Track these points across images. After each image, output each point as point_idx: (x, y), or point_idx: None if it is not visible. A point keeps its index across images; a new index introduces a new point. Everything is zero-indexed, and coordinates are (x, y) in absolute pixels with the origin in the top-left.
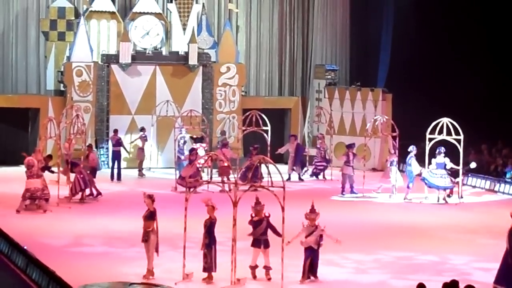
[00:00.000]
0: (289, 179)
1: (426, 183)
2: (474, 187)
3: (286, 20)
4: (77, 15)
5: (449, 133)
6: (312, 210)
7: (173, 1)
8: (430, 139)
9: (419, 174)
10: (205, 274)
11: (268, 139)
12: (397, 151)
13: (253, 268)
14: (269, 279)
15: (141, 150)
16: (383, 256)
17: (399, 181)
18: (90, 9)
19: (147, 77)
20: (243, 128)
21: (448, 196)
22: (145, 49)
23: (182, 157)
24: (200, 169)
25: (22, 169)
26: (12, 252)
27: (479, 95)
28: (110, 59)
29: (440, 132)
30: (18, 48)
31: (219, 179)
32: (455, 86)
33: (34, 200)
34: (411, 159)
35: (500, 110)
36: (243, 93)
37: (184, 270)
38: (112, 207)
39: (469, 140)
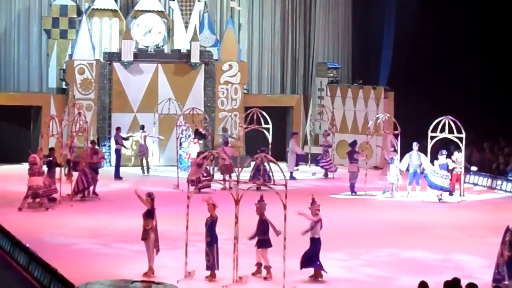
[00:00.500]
0: (292, 177)
1: (427, 182)
2: (476, 185)
3: (288, 18)
4: (79, 13)
5: (451, 131)
6: (313, 202)
7: None
8: (432, 137)
9: (407, 170)
10: (208, 272)
11: (270, 137)
12: (398, 149)
13: (258, 266)
14: (265, 278)
15: (143, 147)
16: (384, 254)
17: (399, 179)
18: (92, 7)
19: (149, 75)
20: (245, 126)
21: (451, 194)
22: (147, 47)
23: (184, 154)
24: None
25: (24, 167)
26: (14, 250)
27: (481, 94)
28: (112, 57)
29: (442, 130)
30: (20, 46)
31: (220, 177)
32: (457, 84)
33: (36, 197)
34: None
35: (502, 108)
36: (245, 91)
37: (186, 268)
38: (113, 205)
39: (471, 139)
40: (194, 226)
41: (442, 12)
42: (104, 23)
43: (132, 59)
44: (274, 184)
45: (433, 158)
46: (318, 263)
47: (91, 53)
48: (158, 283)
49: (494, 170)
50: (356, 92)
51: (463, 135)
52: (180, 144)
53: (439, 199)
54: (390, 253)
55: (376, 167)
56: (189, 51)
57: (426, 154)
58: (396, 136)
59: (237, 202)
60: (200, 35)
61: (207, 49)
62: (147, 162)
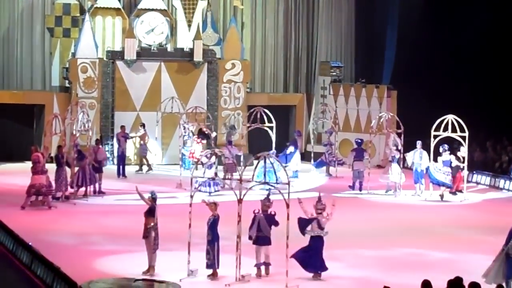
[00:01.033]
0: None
1: (430, 179)
2: (479, 183)
3: (291, 17)
4: (82, 11)
5: (454, 130)
6: (318, 201)
7: None
8: (435, 136)
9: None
10: (210, 271)
11: (273, 136)
12: (401, 148)
13: (259, 265)
14: (259, 275)
15: (143, 146)
16: (387, 253)
17: (402, 178)
18: (95, 5)
19: (152, 73)
20: (248, 124)
21: (454, 193)
22: (149, 45)
23: (187, 153)
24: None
25: (27, 165)
26: (17, 249)
27: (484, 92)
28: (115, 55)
29: (445, 129)
30: (23, 45)
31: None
32: (460, 83)
33: (39, 195)
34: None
35: (505, 106)
36: (248, 90)
37: (189, 267)
38: (116, 204)
39: (474, 137)
40: (197, 225)
41: (445, 11)
42: (107, 22)
43: (135, 57)
44: (276, 182)
45: (437, 156)
46: (318, 265)
47: (94, 52)
48: (161, 282)
49: (497, 168)
50: (359, 91)
51: (466, 134)
52: (184, 143)
53: (441, 197)
54: (393, 252)
55: (379, 166)
56: (192, 50)
57: (429, 153)
58: (399, 135)
59: (239, 200)
60: (203, 33)
61: (210, 47)
62: (147, 161)
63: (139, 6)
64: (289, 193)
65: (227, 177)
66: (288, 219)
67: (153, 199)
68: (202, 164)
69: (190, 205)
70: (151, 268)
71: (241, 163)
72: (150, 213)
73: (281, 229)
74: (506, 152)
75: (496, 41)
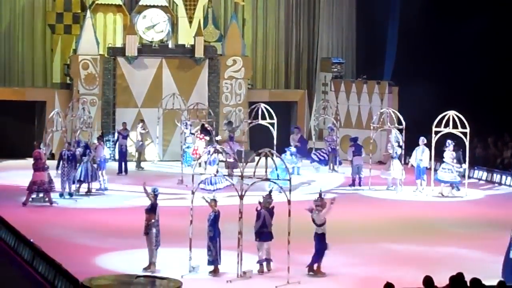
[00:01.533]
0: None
1: (438, 181)
2: (480, 180)
3: (293, 13)
4: (83, 8)
5: (455, 126)
6: (319, 197)
7: None
8: (436, 132)
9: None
10: (211, 267)
11: (274, 132)
12: (403, 144)
13: (261, 261)
14: (262, 271)
15: (141, 142)
16: (388, 249)
17: (403, 174)
18: (96, 2)
19: (153, 70)
20: (249, 121)
21: (458, 189)
22: (148, 41)
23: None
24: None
25: (28, 162)
26: (19, 245)
27: (485, 88)
28: (117, 52)
29: (447, 125)
30: (25, 41)
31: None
32: (461, 79)
33: (41, 192)
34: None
35: (507, 102)
36: (249, 86)
37: (190, 263)
38: (117, 200)
39: (476, 133)
40: (198, 221)
41: (446, 7)
42: (108, 18)
43: (136, 54)
44: (278, 178)
45: (437, 152)
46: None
47: (95, 48)
48: (163, 278)
49: (498, 165)
50: (360, 87)
51: (468, 130)
52: (185, 139)
53: (442, 195)
54: (394, 248)
55: (380, 162)
56: (193, 46)
57: (430, 149)
58: (400, 131)
59: (241, 197)
60: (204, 30)
61: (211, 44)
62: (141, 156)
63: (140, 3)
64: (290, 190)
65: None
66: (289, 215)
67: (155, 195)
68: (205, 162)
69: (192, 201)
70: (152, 264)
71: (242, 158)
72: (152, 209)
73: (282, 226)
74: (508, 148)
75: (498, 38)
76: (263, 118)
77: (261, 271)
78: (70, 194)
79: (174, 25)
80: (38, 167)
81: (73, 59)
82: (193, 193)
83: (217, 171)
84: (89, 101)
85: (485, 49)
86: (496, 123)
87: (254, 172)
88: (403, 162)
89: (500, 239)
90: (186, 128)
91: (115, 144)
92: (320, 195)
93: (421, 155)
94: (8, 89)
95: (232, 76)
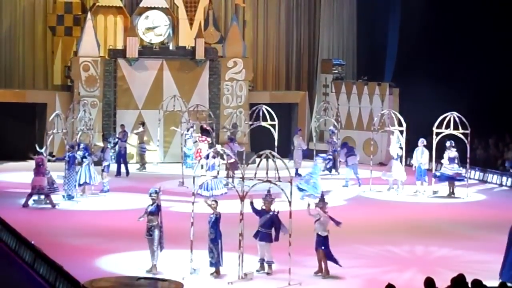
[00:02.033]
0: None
1: (441, 181)
2: (481, 181)
3: (293, 15)
4: (84, 10)
5: (456, 127)
6: (322, 199)
7: None
8: (437, 133)
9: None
10: (212, 269)
11: (275, 133)
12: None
13: (261, 261)
14: (267, 273)
15: (142, 144)
16: (390, 250)
17: (404, 175)
18: (97, 4)
19: (154, 72)
20: (250, 122)
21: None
22: (148, 42)
23: (190, 151)
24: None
25: (29, 164)
26: (20, 247)
27: (486, 89)
28: (117, 54)
29: (447, 126)
30: (25, 43)
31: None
32: (462, 80)
33: (41, 194)
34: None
35: (508, 104)
36: (250, 88)
37: (191, 265)
38: (119, 202)
39: (476, 134)
40: (199, 223)
41: (447, 9)
42: (109, 20)
43: (137, 56)
44: (279, 180)
45: (438, 153)
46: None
47: (96, 50)
48: (164, 280)
49: (499, 166)
50: (361, 89)
51: (468, 131)
52: (185, 142)
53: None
54: (396, 249)
55: (381, 164)
56: (194, 48)
57: (431, 151)
58: (401, 132)
59: (242, 198)
60: (205, 32)
61: (212, 45)
62: (142, 159)
63: (141, 4)
64: (291, 191)
65: (229, 175)
66: (290, 217)
67: (157, 196)
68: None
69: (193, 203)
70: (153, 266)
71: (243, 160)
72: (156, 211)
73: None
74: (509, 150)
75: (499, 39)
76: (264, 119)
77: (261, 269)
78: (71, 196)
79: (174, 27)
80: (39, 172)
81: (74, 61)
82: (194, 195)
83: (218, 173)
84: (90, 103)
85: (487, 50)
86: (497, 124)
87: (255, 174)
88: (404, 163)
89: (501, 240)
90: (187, 131)
91: (114, 147)
92: (322, 196)
93: (421, 157)
94: (9, 91)
95: (233, 78)
